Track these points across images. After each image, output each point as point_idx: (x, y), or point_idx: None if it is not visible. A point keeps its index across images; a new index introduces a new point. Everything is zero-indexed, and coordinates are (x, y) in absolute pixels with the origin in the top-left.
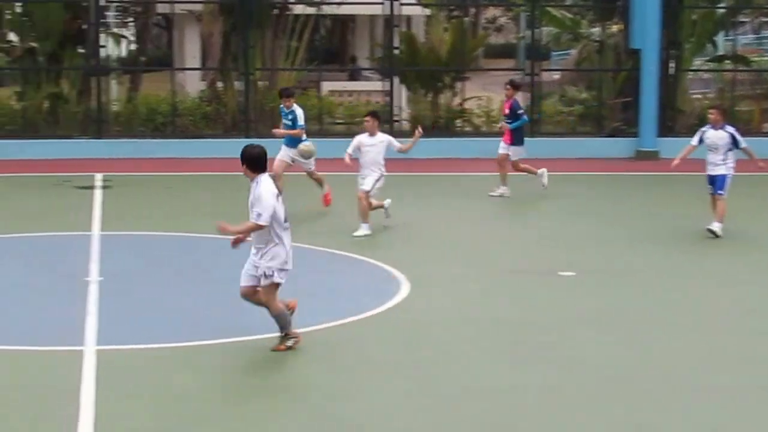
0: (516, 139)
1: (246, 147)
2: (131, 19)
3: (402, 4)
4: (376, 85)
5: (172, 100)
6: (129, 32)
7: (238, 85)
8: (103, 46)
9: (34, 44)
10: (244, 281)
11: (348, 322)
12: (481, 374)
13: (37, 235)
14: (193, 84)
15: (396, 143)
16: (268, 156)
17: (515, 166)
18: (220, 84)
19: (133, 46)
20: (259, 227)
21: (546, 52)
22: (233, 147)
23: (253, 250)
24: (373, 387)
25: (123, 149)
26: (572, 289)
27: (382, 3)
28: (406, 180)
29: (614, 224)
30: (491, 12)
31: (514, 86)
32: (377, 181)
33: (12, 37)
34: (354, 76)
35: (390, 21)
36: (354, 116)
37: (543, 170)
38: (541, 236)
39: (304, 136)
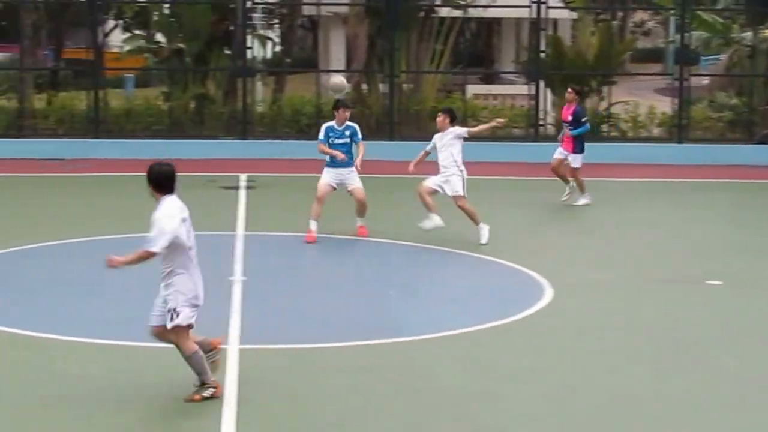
0: (577, 146)
1: (153, 165)
2: (277, 20)
3: (549, 8)
4: (522, 88)
5: (317, 101)
6: (274, 34)
7: (382, 87)
8: (249, 48)
9: (181, 45)
10: (154, 321)
11: (491, 326)
12: (625, 382)
13: None
14: None
15: (464, 130)
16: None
17: (573, 174)
18: (364, 86)
19: (278, 48)
20: (151, 255)
21: (695, 57)
22: (378, 149)
23: (162, 284)
24: (515, 393)
25: (267, 150)
26: (719, 298)
27: (528, 6)
28: (547, 184)
29: (763, 234)
30: (639, 16)
31: (577, 92)
32: (462, 181)
33: (160, 38)
34: (492, 79)
35: (536, 24)
36: None
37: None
38: (686, 244)
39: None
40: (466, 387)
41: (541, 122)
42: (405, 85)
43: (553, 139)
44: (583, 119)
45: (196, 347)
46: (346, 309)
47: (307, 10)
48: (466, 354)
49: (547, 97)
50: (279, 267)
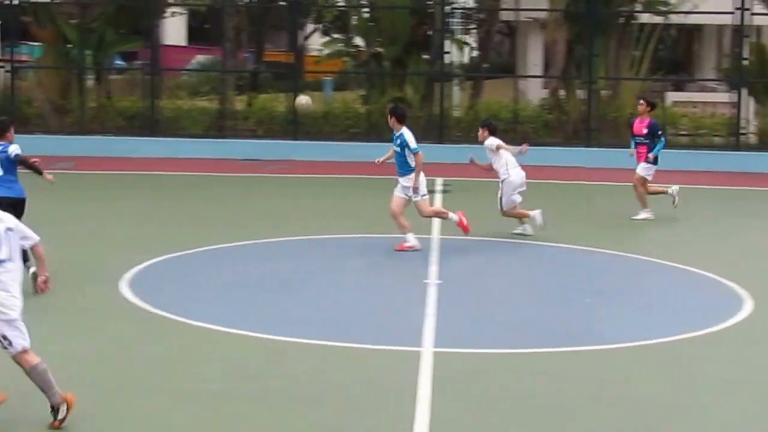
0: (650, 157)
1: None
2: (474, 25)
3: (753, 14)
4: (723, 96)
5: (514, 107)
6: (472, 39)
7: (580, 93)
8: (447, 53)
9: (380, 49)
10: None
11: (688, 337)
12: None
13: (379, 236)
14: (534, 92)
15: (492, 144)
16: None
17: (637, 183)
18: (562, 92)
19: (475, 53)
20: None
21: None
22: (574, 156)
23: None
24: (714, 405)
25: (463, 154)
26: None
27: (731, 13)
28: (747, 194)
29: None
30: None
31: (650, 104)
32: (500, 192)
33: (359, 41)
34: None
35: (739, 31)
36: (698, 128)
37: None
38: None
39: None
40: (662, 398)
41: (743, 131)
42: (603, 92)
43: (755, 148)
44: (659, 132)
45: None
46: (539, 315)
47: (505, 16)
48: (662, 364)
49: (749, 105)
50: (473, 271)
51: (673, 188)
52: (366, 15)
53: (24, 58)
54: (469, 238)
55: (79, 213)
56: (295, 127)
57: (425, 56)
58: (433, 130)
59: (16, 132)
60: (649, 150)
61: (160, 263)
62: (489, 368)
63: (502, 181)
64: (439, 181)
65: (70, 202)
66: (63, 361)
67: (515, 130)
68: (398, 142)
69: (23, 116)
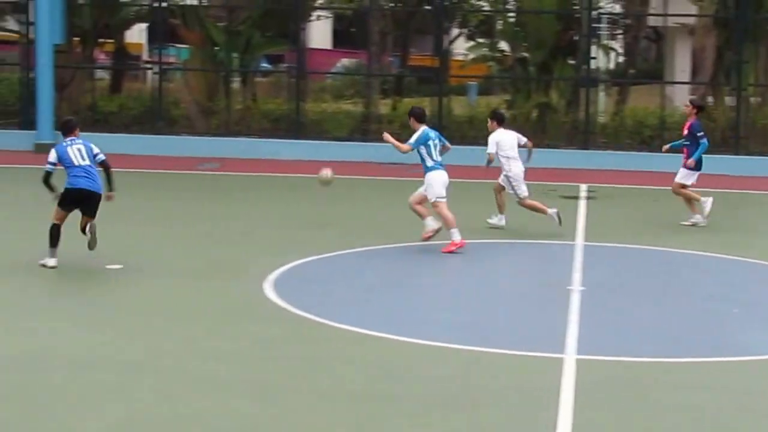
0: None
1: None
2: (621, 31)
3: None
4: None
5: (661, 113)
6: (618, 44)
7: (728, 100)
8: (593, 58)
9: (525, 54)
10: None
11: None
12: None
13: (522, 242)
14: (682, 98)
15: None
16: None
17: (680, 188)
18: (710, 99)
19: (621, 59)
20: None
21: None
22: (721, 164)
23: None
24: None
25: (608, 161)
26: None
27: None
28: None
29: None
30: None
31: (696, 106)
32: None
33: (504, 46)
34: None
35: None
36: None
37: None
38: None
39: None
40: None
41: None
42: (753, 99)
43: None
44: (699, 134)
45: None
46: (683, 323)
47: (652, 21)
48: None
49: None
50: (618, 279)
51: (706, 199)
52: (512, 19)
53: (171, 60)
54: (612, 245)
55: (225, 213)
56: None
57: (571, 61)
58: (578, 136)
59: (164, 133)
60: (690, 154)
61: (304, 265)
62: (633, 377)
63: (506, 175)
64: (583, 188)
65: (215, 203)
66: (207, 360)
67: (662, 137)
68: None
69: (170, 117)
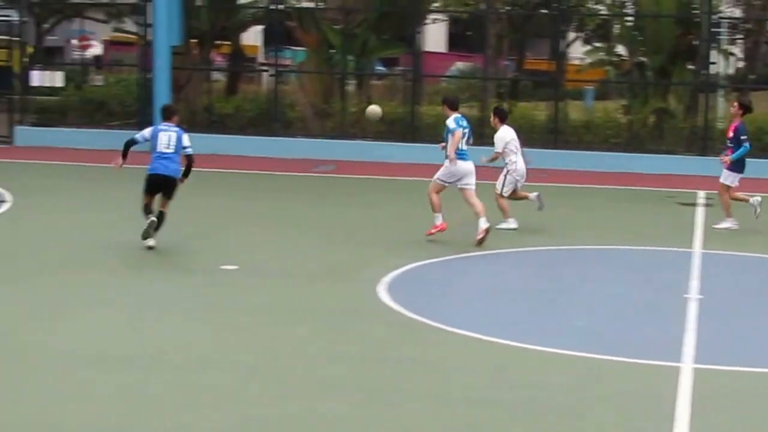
0: (735, 163)
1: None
2: (741, 36)
3: None
4: None
5: None
6: (738, 49)
7: None
8: (712, 63)
9: (643, 59)
10: None
11: None
12: None
13: (638, 249)
14: None
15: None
16: None
17: (722, 192)
18: None
19: (741, 64)
20: None
21: None
22: None
23: None
24: None
25: None
26: None
27: None
28: None
29: None
30: None
31: (742, 106)
32: (504, 177)
33: (621, 50)
34: None
35: None
36: None
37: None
38: None
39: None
40: None
41: None
42: None
43: None
44: (743, 137)
45: None
46: None
47: None
48: None
49: None
50: (737, 287)
51: (755, 199)
52: (629, 23)
53: (286, 62)
54: (731, 253)
55: (339, 216)
56: (555, 136)
57: (690, 66)
58: (696, 142)
59: (280, 135)
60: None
61: (418, 268)
62: (751, 388)
63: (507, 171)
64: (701, 195)
65: (330, 205)
66: (323, 362)
67: None
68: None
69: (286, 120)
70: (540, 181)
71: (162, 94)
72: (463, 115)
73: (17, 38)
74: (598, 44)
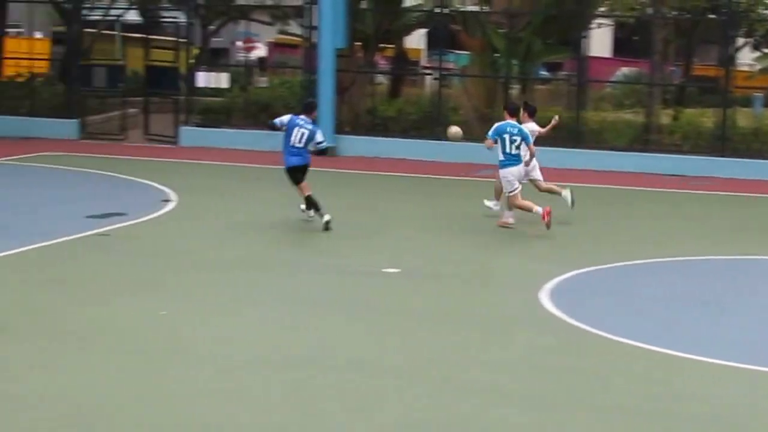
0: None
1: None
2: None
3: None
4: None
5: None
6: None
7: None
8: None
9: None
10: None
11: None
12: None
13: None
14: None
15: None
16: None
17: None
18: None
19: None
20: None
21: None
22: None
23: None
24: None
25: None
26: None
27: None
28: None
29: None
30: None
31: None
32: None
33: None
34: None
35: None
36: None
37: None
38: None
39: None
40: None
41: None
42: None
43: None
44: None
45: None
46: None
47: None
48: None
49: None
50: None
51: None
52: None
53: (449, 65)
54: None
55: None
56: (722, 143)
57: None
58: None
59: (442, 139)
60: None
61: (580, 276)
62: None
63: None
64: None
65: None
66: (484, 368)
67: None
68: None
69: (449, 123)
70: (707, 189)
71: (326, 97)
72: (518, 120)
73: (184, 40)
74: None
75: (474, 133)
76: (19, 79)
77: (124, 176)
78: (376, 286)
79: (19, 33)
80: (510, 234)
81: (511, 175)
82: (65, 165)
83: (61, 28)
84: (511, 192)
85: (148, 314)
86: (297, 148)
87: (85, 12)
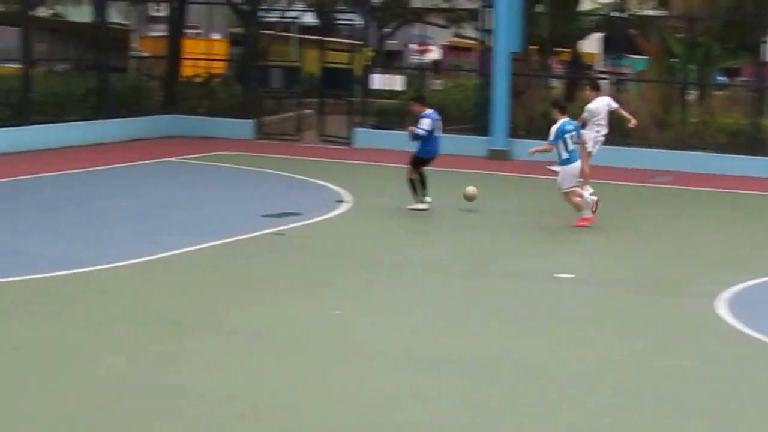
0: None
1: None
2: None
3: None
4: None
5: None
6: None
7: None
8: None
9: None
10: None
11: None
12: None
13: None
14: None
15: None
16: None
17: None
18: None
19: None
20: None
21: None
22: None
23: None
24: None
25: None
26: None
27: None
28: None
29: None
30: None
31: None
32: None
33: None
34: None
35: None
36: None
37: None
38: None
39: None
40: None
41: None
42: None
43: None
44: None
45: None
46: None
47: None
48: None
49: None
50: None
51: None
52: None
53: (624, 70)
54: None
55: (676, 227)
56: None
57: None
58: None
59: (618, 144)
60: None
61: (758, 286)
62: None
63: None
64: None
65: (664, 218)
66: (660, 377)
67: None
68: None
69: (624, 129)
70: None
71: (500, 100)
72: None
73: (359, 42)
74: None
75: (650, 139)
76: (197, 80)
77: (298, 176)
78: (548, 291)
79: (197, 34)
80: (682, 240)
81: (576, 170)
82: (241, 164)
83: (238, 30)
84: (572, 187)
85: (321, 314)
86: (438, 138)
87: (262, 14)
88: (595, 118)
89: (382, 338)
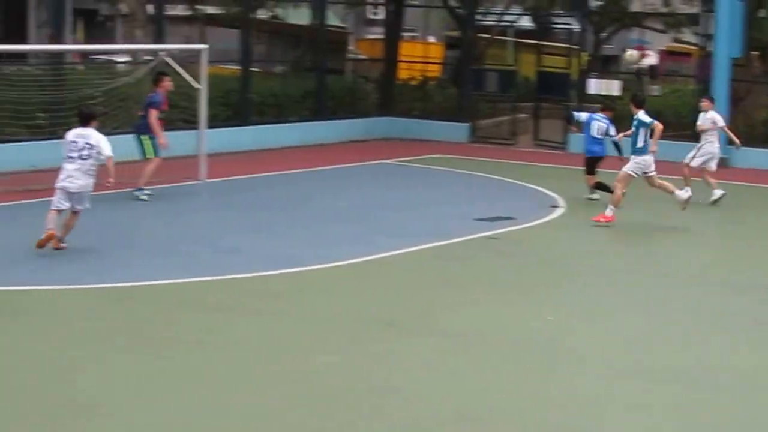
0: None
1: None
2: None
3: None
4: None
5: None
6: None
7: None
8: None
9: None
10: None
11: None
12: None
13: None
14: None
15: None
16: None
17: None
18: None
19: None
20: None
21: None
22: None
23: None
24: None
25: None
26: None
27: None
28: None
29: None
30: None
31: None
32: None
33: None
34: None
35: None
36: None
37: None
38: None
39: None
40: None
41: None
42: None
43: None
44: None
45: None
46: None
47: None
48: None
49: None
50: None
51: None
52: None
53: None
54: None
55: None
56: None
57: None
58: None
59: None
60: None
61: None
62: None
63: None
64: None
65: None
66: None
67: None
68: (635, 123)
69: None
70: None
71: (720, 106)
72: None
73: (575, 46)
74: None
75: None
76: (413, 83)
77: (512, 180)
78: (764, 302)
79: (413, 37)
80: None
81: (646, 162)
82: (455, 167)
83: (454, 33)
84: (652, 172)
85: (535, 318)
86: (597, 138)
87: (478, 17)
88: None
89: (593, 345)
